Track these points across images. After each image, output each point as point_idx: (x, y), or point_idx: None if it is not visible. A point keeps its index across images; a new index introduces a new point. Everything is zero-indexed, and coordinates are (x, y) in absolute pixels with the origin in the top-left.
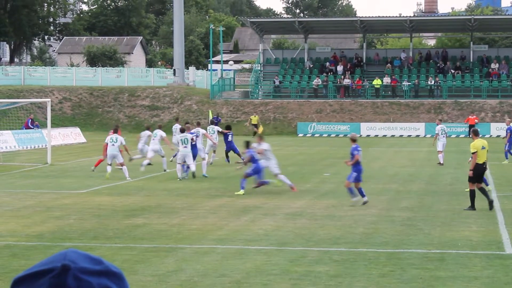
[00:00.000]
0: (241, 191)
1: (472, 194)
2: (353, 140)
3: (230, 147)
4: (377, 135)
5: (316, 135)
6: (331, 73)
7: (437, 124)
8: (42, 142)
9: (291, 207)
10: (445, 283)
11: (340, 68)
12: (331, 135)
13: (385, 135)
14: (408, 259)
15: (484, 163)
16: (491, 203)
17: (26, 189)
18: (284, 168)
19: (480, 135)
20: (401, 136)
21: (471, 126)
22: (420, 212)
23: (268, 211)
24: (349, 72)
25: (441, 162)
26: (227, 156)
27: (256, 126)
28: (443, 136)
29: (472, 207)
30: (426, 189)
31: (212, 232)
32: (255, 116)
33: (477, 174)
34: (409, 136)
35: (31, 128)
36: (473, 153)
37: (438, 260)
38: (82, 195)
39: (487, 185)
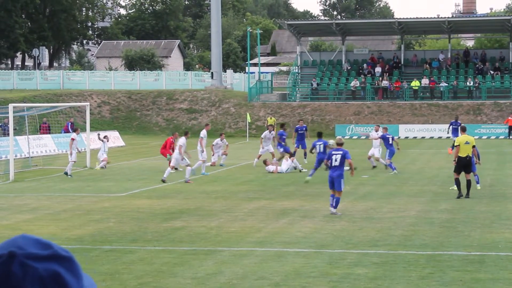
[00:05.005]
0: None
1: (457, 182)
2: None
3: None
4: (416, 137)
5: (354, 137)
6: (369, 75)
7: (376, 131)
8: (81, 146)
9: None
10: (485, 286)
11: (378, 69)
12: (369, 137)
13: (424, 137)
14: (448, 261)
15: (467, 156)
16: (459, 197)
17: (66, 193)
18: (322, 171)
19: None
20: (439, 137)
21: (510, 128)
22: (460, 214)
23: (306, 213)
24: (387, 73)
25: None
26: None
27: (273, 127)
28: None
29: (460, 193)
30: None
31: (251, 234)
32: (271, 118)
33: (460, 165)
34: (448, 137)
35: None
36: (455, 146)
37: (478, 262)
38: (121, 198)
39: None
